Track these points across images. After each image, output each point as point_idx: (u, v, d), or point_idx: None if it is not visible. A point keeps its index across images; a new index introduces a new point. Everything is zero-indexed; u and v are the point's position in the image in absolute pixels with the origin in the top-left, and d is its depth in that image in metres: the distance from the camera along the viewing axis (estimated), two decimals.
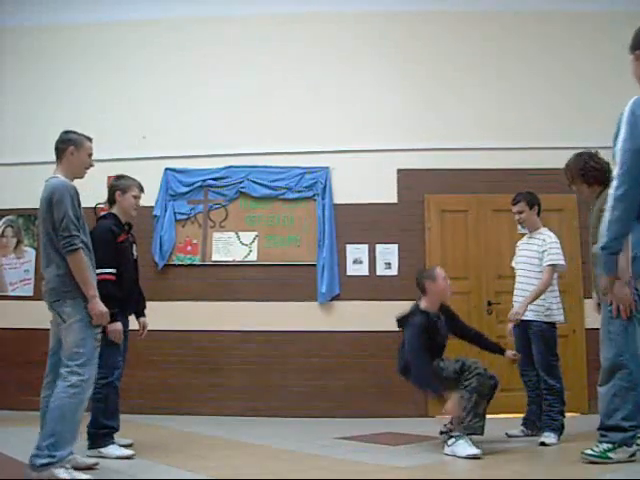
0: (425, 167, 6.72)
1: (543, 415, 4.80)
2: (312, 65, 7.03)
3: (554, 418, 4.71)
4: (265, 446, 4.75)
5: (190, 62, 7.10)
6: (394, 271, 6.63)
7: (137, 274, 4.69)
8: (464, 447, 4.20)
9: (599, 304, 4.13)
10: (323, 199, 6.73)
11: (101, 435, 4.20)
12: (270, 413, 6.29)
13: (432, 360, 4.55)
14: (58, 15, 7.15)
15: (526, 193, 5.11)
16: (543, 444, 4.57)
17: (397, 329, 4.92)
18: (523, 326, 4.92)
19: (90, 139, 3.90)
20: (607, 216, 2.67)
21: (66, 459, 3.43)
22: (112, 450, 4.17)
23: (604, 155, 4.19)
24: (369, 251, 6.69)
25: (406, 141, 6.76)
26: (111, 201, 4.61)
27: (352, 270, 6.67)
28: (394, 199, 6.74)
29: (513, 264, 5.32)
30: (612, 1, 6.77)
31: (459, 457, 4.15)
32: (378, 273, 6.65)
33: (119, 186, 4.58)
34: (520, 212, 5.07)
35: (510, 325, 4.93)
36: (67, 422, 3.42)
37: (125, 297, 4.40)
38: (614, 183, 2.61)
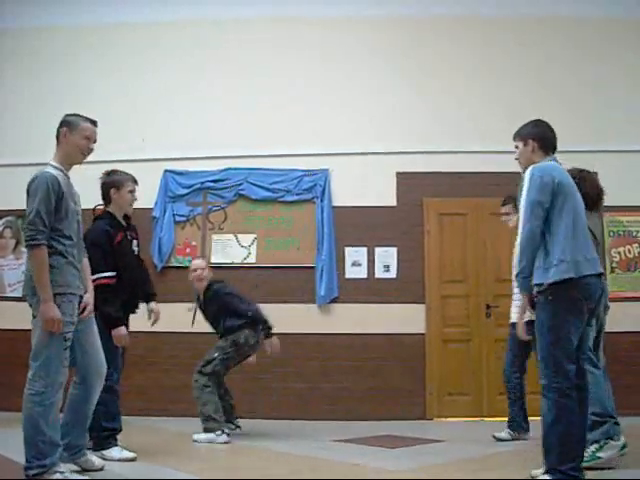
0: (424, 170, 6.73)
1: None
2: (311, 68, 7.04)
3: None
4: (263, 448, 4.75)
5: (189, 64, 7.10)
6: (393, 274, 6.63)
7: (142, 269, 4.62)
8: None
9: None
10: (322, 202, 6.73)
11: (103, 437, 4.21)
12: (268, 415, 6.29)
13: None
14: (58, 17, 7.15)
15: (516, 196, 5.16)
16: None
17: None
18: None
19: (92, 121, 3.67)
20: (519, 249, 3.42)
21: (58, 463, 3.38)
22: (114, 452, 4.18)
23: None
24: (368, 254, 6.69)
25: (405, 144, 6.77)
26: (106, 199, 4.44)
27: (351, 273, 6.68)
28: (393, 202, 6.75)
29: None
30: (614, 8, 6.78)
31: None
32: (377, 276, 6.66)
33: (113, 183, 4.40)
34: (507, 214, 5.21)
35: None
36: (43, 429, 3.32)
37: (128, 298, 4.37)
38: (521, 225, 3.42)
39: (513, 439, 4.91)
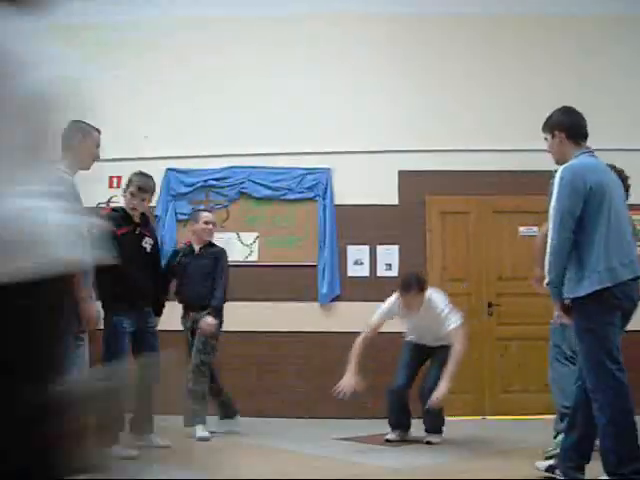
0: (426, 169, 6.72)
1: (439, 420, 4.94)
2: (314, 66, 7.03)
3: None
4: (265, 446, 4.77)
5: (192, 62, 7.09)
6: (395, 272, 6.63)
7: (152, 268, 4.73)
8: None
9: None
10: (324, 200, 6.73)
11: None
12: (270, 413, 6.29)
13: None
14: (57, 16, 7.13)
15: (416, 278, 4.90)
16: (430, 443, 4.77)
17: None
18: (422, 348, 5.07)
19: (99, 130, 3.89)
20: (548, 260, 3.27)
21: None
22: (117, 451, 4.20)
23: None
24: (370, 252, 6.69)
25: (407, 142, 6.75)
26: None
27: (353, 271, 6.68)
28: (395, 200, 6.74)
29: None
30: (615, 6, 6.76)
31: None
32: (379, 274, 6.66)
33: (128, 183, 4.76)
34: (416, 297, 4.85)
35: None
36: None
37: (121, 291, 4.39)
38: (552, 234, 3.25)
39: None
